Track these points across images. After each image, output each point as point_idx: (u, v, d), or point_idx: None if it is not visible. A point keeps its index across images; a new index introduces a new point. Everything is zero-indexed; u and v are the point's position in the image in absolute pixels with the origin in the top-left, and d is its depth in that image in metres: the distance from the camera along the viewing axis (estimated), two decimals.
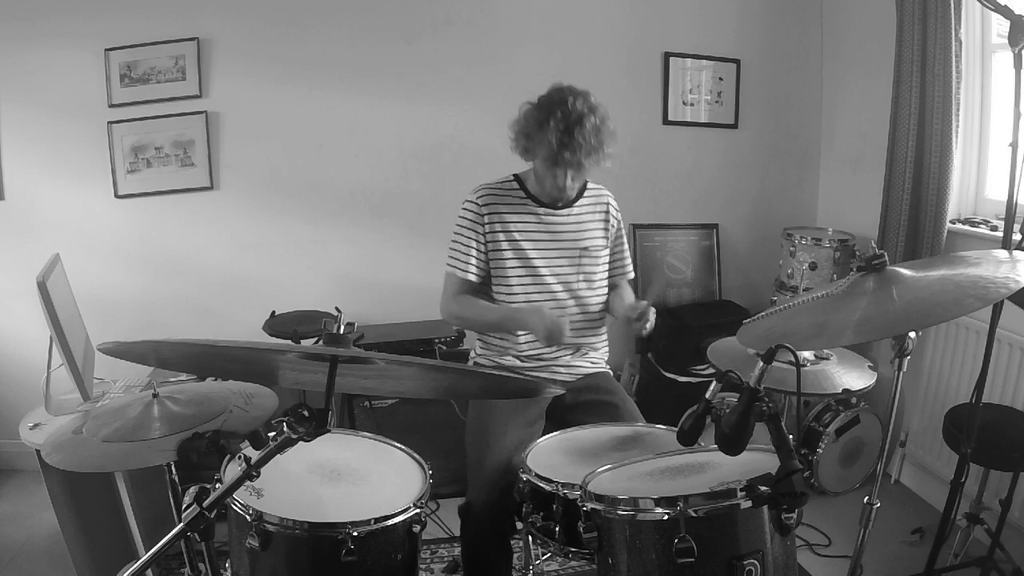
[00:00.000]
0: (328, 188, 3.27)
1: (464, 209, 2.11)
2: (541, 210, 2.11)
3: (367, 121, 3.24)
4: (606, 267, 2.21)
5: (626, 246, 2.29)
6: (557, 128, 1.90)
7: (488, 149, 3.31)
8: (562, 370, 2.16)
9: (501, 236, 2.09)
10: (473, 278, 2.10)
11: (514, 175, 2.16)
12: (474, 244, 2.09)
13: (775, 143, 3.66)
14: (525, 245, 2.10)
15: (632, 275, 2.29)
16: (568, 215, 2.14)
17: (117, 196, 3.10)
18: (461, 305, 2.11)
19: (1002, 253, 1.50)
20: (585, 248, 2.14)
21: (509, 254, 2.09)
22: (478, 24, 3.25)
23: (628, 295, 2.24)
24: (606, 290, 2.22)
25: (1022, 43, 1.69)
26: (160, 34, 3.01)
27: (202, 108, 3.09)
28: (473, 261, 2.09)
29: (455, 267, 2.10)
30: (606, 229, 2.19)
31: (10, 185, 3.02)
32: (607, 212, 2.20)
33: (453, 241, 2.12)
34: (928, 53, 2.71)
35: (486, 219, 2.08)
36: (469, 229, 2.09)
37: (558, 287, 2.12)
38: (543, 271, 2.11)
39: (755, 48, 3.54)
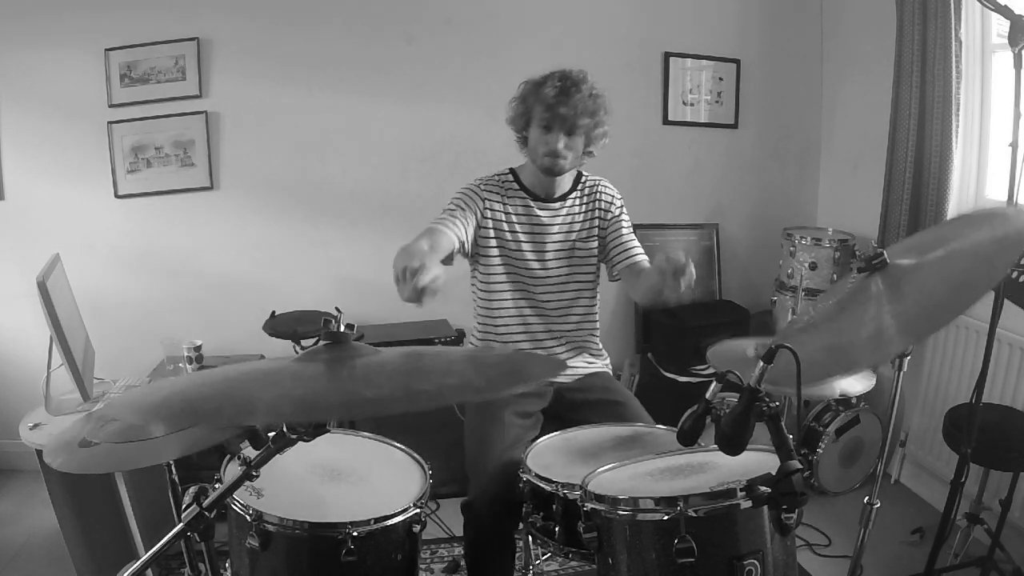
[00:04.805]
0: (328, 188, 3.26)
1: (465, 188, 2.08)
2: (534, 203, 2.09)
3: (367, 121, 3.24)
4: (596, 260, 2.16)
5: (631, 230, 2.18)
6: (554, 85, 1.94)
7: (488, 149, 3.32)
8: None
9: (491, 224, 2.07)
10: (446, 230, 1.93)
11: (510, 169, 2.15)
12: (460, 215, 2.00)
13: (775, 143, 3.66)
14: (516, 237, 2.08)
15: (645, 259, 2.11)
16: (560, 207, 2.11)
17: (117, 196, 3.10)
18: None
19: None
20: (575, 242, 2.13)
21: (494, 243, 2.07)
22: (478, 24, 3.25)
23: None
24: (597, 285, 2.19)
25: (1022, 43, 1.69)
26: (160, 34, 3.01)
27: (202, 108, 3.09)
28: (458, 223, 1.98)
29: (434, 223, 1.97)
30: (599, 218, 2.14)
31: (10, 185, 3.03)
32: (597, 200, 2.15)
33: (443, 211, 2.04)
34: (928, 53, 2.71)
35: (484, 205, 2.06)
36: (462, 202, 2.04)
37: (549, 281, 2.11)
38: (533, 264, 2.10)
39: (755, 48, 3.54)
